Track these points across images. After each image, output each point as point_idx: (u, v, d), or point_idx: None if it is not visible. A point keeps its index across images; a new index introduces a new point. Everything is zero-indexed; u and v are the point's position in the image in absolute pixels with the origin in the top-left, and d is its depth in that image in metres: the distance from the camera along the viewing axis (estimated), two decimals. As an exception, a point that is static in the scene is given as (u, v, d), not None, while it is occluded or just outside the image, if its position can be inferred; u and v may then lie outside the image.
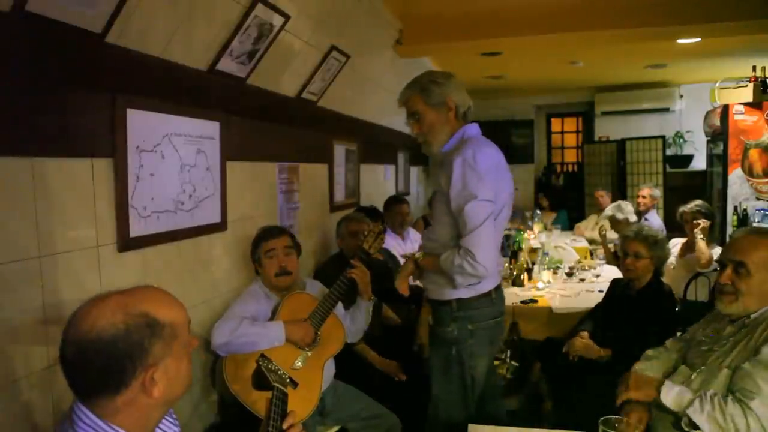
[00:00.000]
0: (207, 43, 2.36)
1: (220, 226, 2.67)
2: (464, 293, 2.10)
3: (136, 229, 2.12)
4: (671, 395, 1.67)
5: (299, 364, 2.31)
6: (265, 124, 3.17)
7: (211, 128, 2.58)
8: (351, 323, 2.59)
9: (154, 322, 1.03)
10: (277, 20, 2.64)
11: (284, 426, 1.34)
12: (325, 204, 4.19)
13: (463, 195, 1.98)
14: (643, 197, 5.44)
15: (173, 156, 2.33)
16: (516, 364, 3.90)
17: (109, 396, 0.99)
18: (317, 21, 3.07)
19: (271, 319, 2.37)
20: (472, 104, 2.24)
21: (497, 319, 2.20)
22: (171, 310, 1.08)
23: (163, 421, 1.16)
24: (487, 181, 1.99)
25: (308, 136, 3.81)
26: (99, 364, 0.98)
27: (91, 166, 1.94)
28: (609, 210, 4.88)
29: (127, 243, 2.09)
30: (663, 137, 7.11)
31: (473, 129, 2.21)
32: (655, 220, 5.42)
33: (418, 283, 2.53)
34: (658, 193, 5.72)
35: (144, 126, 2.13)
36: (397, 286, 2.27)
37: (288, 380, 1.50)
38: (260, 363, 1.51)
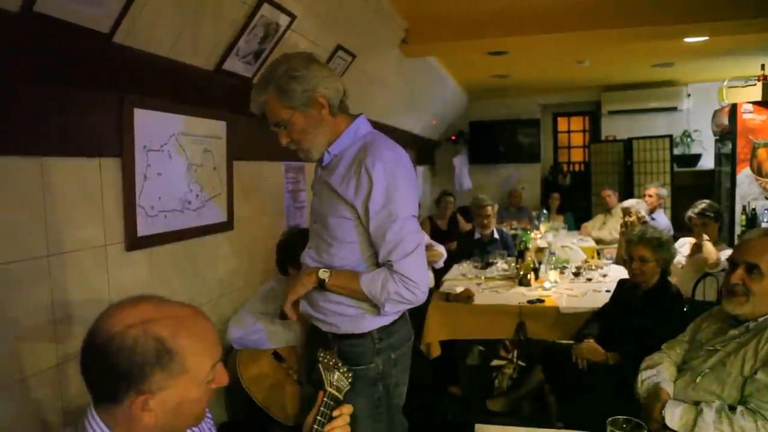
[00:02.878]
0: (213, 43, 2.37)
1: (226, 226, 2.68)
2: (384, 320, 1.72)
3: (143, 229, 2.13)
4: (676, 418, 1.67)
5: None
6: (271, 123, 3.17)
7: (217, 128, 2.58)
8: None
9: (165, 351, 0.97)
10: (283, 20, 2.64)
11: (326, 429, 1.27)
12: (331, 203, 4.18)
13: (388, 212, 1.60)
14: (650, 196, 5.41)
15: (180, 155, 2.33)
16: (523, 364, 3.89)
17: (109, 404, 0.99)
18: (323, 20, 3.07)
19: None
20: (347, 89, 1.78)
21: (411, 340, 1.87)
22: (195, 343, 1.01)
23: None
24: (411, 192, 1.68)
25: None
26: (98, 369, 0.97)
27: (98, 165, 1.95)
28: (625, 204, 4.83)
29: (134, 242, 2.10)
30: (670, 136, 7.06)
31: (366, 123, 1.79)
32: (662, 220, 5.39)
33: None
34: (664, 192, 5.69)
35: (151, 125, 2.14)
36: (285, 309, 1.76)
37: (348, 385, 1.36)
38: (321, 359, 1.35)
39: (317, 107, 1.64)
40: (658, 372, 1.89)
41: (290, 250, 2.50)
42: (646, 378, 1.90)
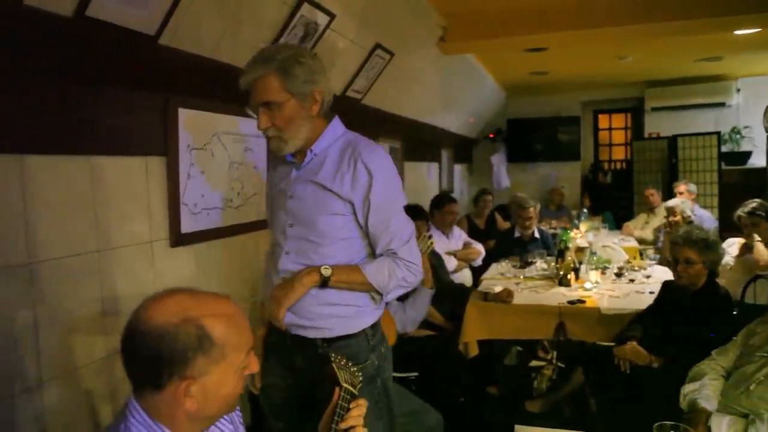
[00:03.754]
0: (254, 43, 2.40)
1: (267, 224, 2.72)
2: (376, 314, 1.73)
3: (187, 226, 2.19)
4: (723, 429, 1.62)
5: None
6: (310, 122, 3.21)
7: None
8: (410, 310, 2.62)
9: (206, 337, 1.01)
10: (323, 19, 2.66)
11: (344, 425, 1.29)
12: (369, 202, 4.20)
13: (391, 203, 1.64)
14: (680, 193, 5.26)
15: (222, 154, 2.38)
16: (562, 366, 3.83)
17: (150, 392, 1.01)
18: (362, 19, 3.09)
19: None
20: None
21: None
22: (231, 330, 1.05)
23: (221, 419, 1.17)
24: (401, 188, 1.73)
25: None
26: (140, 356, 1.00)
27: (145, 164, 2.01)
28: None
29: (178, 239, 2.15)
30: (718, 133, 6.82)
31: (341, 124, 1.73)
32: (703, 214, 5.21)
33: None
34: (693, 187, 5.52)
35: (195, 125, 2.19)
36: (274, 314, 1.64)
37: (360, 381, 1.40)
38: (334, 360, 1.39)
39: (311, 101, 1.61)
40: (701, 386, 1.83)
41: None
42: (688, 392, 1.85)
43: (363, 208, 1.62)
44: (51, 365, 1.66)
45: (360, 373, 1.43)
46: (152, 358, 0.98)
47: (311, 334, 1.65)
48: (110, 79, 1.80)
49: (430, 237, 2.76)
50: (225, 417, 1.19)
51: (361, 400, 1.34)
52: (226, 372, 1.04)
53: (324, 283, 1.61)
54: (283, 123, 1.58)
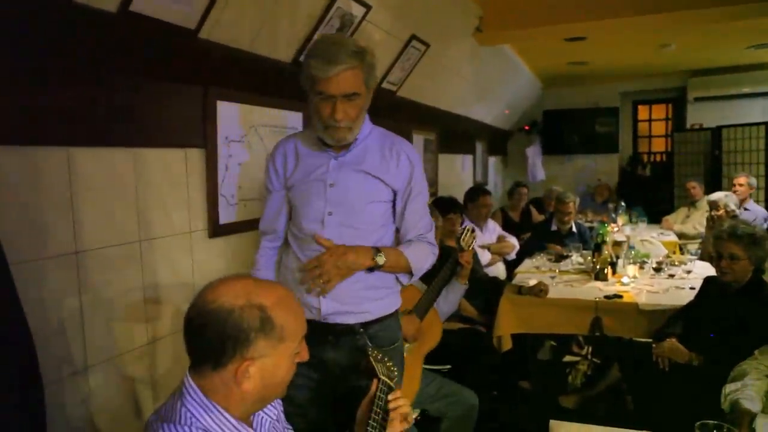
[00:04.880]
0: (291, 37, 2.42)
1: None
2: (399, 295, 1.83)
3: (224, 217, 2.23)
4: None
5: (405, 355, 2.36)
6: (345, 114, 3.22)
7: (294, 119, 2.65)
8: (444, 304, 2.64)
9: (268, 319, 1.06)
10: (358, 11, 2.66)
11: (391, 406, 1.32)
12: (403, 194, 4.20)
13: (426, 192, 1.78)
14: (741, 185, 5.07)
15: (259, 146, 2.41)
16: (597, 361, 3.77)
17: (209, 370, 1.05)
18: (398, 10, 3.07)
19: None
20: None
21: None
22: (289, 315, 1.10)
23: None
24: None
25: (388, 125, 3.77)
26: (207, 334, 1.04)
27: (184, 156, 2.05)
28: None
29: (216, 229, 2.20)
30: (766, 123, 6.57)
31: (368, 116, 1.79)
32: (757, 209, 5.03)
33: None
34: (754, 181, 5.32)
35: (232, 117, 2.23)
36: (327, 286, 1.65)
37: (396, 375, 1.45)
38: (371, 353, 1.45)
39: (370, 96, 1.69)
40: (743, 386, 1.78)
41: None
42: (729, 392, 1.80)
43: (404, 195, 1.73)
44: (96, 351, 1.72)
45: (395, 368, 1.45)
46: (218, 336, 1.03)
47: (351, 319, 1.68)
48: (152, 72, 1.84)
49: (473, 231, 2.77)
50: (271, 403, 1.23)
51: (400, 391, 1.37)
52: (283, 356, 1.09)
53: (376, 266, 1.65)
54: (356, 114, 1.62)
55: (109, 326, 1.77)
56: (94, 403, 1.72)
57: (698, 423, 1.34)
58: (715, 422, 1.34)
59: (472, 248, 2.80)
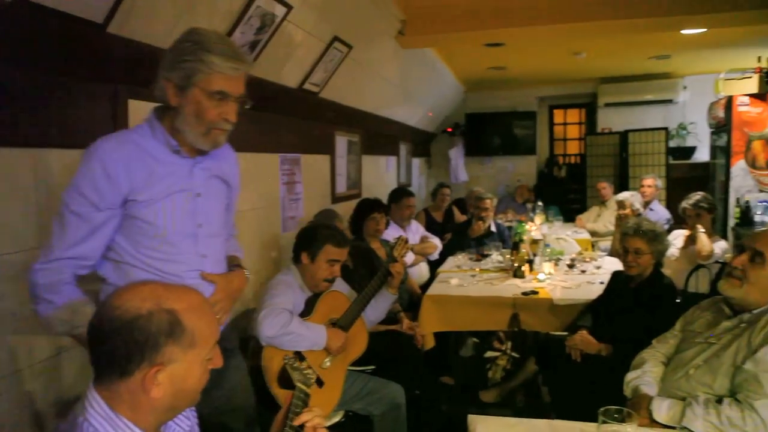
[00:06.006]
0: (208, 34, 2.35)
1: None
2: None
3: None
4: (663, 412, 1.69)
5: (328, 363, 2.35)
6: (267, 115, 3.17)
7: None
8: (372, 312, 2.64)
9: (178, 323, 1.02)
10: (280, 10, 2.63)
11: (297, 423, 1.32)
12: (327, 195, 4.19)
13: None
14: (648, 186, 5.43)
15: (175, 147, 2.32)
16: (516, 356, 3.92)
17: (115, 380, 1.01)
18: (320, 11, 3.06)
19: (306, 312, 2.38)
20: None
21: None
22: (201, 320, 1.06)
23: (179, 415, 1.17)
24: None
25: (310, 127, 3.81)
26: (112, 341, 0.99)
27: (93, 156, 1.94)
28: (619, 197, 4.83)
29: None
30: (666, 129, 7.07)
31: None
32: (660, 210, 5.40)
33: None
34: (660, 183, 5.71)
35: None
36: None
37: (313, 381, 1.46)
38: (286, 361, 1.46)
39: None
40: (643, 373, 1.91)
41: (312, 234, 2.49)
42: (630, 380, 1.93)
43: (235, 195, 1.76)
44: (-7, 366, 1.59)
45: (311, 376, 1.46)
46: (124, 342, 0.99)
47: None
48: (55, 68, 1.73)
49: (406, 242, 2.77)
50: (183, 413, 1.19)
51: (311, 409, 1.36)
52: (194, 362, 1.05)
53: None
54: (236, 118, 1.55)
55: (7, 340, 1.64)
56: (-10, 423, 1.59)
57: (601, 409, 1.42)
58: (616, 407, 1.42)
59: (404, 257, 2.81)
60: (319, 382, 2.28)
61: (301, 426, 1.32)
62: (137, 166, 1.47)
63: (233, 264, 1.75)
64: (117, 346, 0.99)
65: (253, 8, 2.44)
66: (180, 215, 1.54)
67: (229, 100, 1.50)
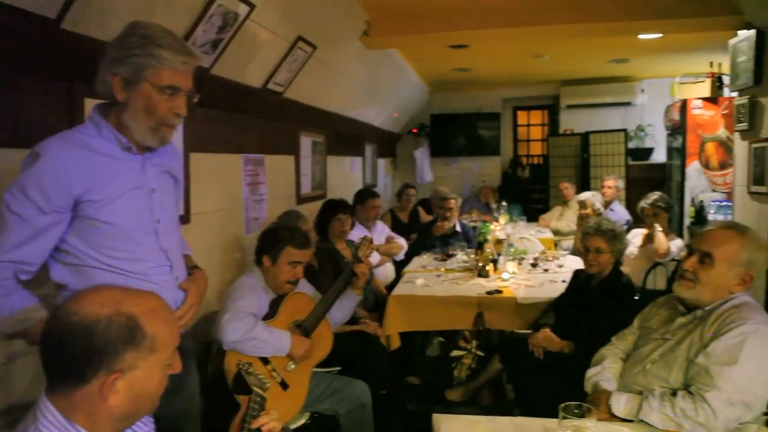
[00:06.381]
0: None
1: (182, 219, 2.63)
2: None
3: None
4: (621, 406, 1.73)
5: (292, 366, 2.32)
6: (230, 114, 3.13)
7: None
8: (337, 313, 2.62)
9: (138, 328, 1.00)
10: (242, 9, 2.60)
11: (255, 426, 1.32)
12: (292, 196, 4.16)
13: None
14: (609, 188, 5.57)
15: (134, 147, 2.27)
16: (481, 354, 3.96)
17: (70, 388, 0.97)
18: (283, 11, 3.03)
19: (270, 315, 2.35)
20: None
21: None
22: (162, 326, 1.04)
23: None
24: None
25: (274, 127, 3.77)
26: (69, 348, 0.96)
27: (46, 156, 1.88)
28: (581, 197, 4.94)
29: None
30: (625, 130, 7.26)
31: None
32: (620, 210, 5.55)
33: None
34: (621, 183, 5.86)
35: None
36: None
37: (268, 386, 1.47)
38: (240, 367, 1.47)
39: None
40: (602, 370, 1.96)
41: (273, 236, 2.46)
42: (591, 376, 1.97)
43: (181, 190, 1.75)
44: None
45: (266, 381, 1.48)
46: (81, 349, 0.95)
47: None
48: (5, 65, 1.66)
49: (371, 242, 2.76)
50: (141, 420, 1.16)
51: (264, 417, 1.37)
52: (154, 367, 1.03)
53: None
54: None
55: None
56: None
57: (562, 405, 1.45)
58: (576, 403, 1.45)
59: (369, 257, 2.80)
60: (284, 385, 2.26)
61: (258, 429, 1.31)
62: (89, 166, 1.44)
63: (191, 266, 1.74)
64: (74, 353, 0.96)
65: (215, 6, 2.40)
66: (139, 212, 1.53)
67: (179, 95, 1.49)
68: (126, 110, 1.47)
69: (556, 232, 5.95)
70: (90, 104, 1.99)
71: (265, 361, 2.24)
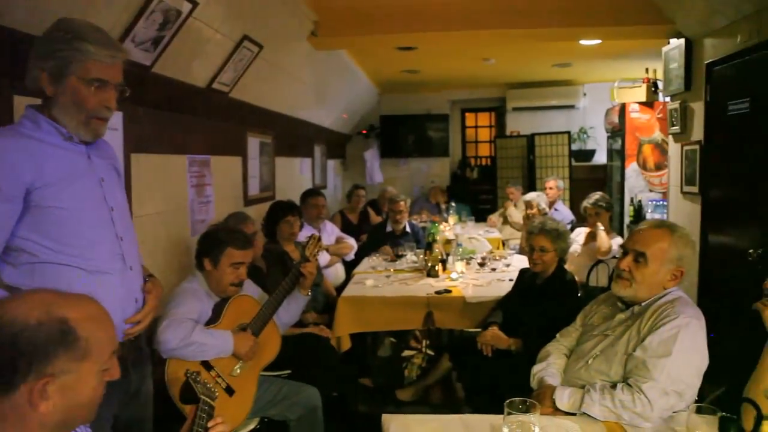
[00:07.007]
0: (106, 28, 2.21)
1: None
2: None
3: None
4: (565, 400, 1.79)
5: (238, 370, 2.26)
6: (173, 114, 3.04)
7: (113, 118, 2.43)
8: (285, 314, 2.57)
9: (70, 331, 0.95)
10: (185, 7, 2.53)
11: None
12: (239, 198, 4.08)
13: None
14: (551, 188, 5.74)
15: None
16: (432, 353, 4.00)
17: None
18: (227, 9, 2.97)
19: (213, 319, 2.28)
20: None
21: None
22: (97, 328, 1.00)
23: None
24: None
25: (220, 128, 3.69)
26: None
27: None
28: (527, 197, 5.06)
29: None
30: (568, 133, 7.49)
31: None
32: (564, 210, 5.72)
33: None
34: (562, 184, 6.04)
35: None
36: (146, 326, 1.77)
37: (217, 394, 1.45)
38: (188, 375, 1.45)
39: None
40: (547, 366, 2.02)
41: (213, 238, 2.39)
42: (536, 372, 2.03)
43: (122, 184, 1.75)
44: None
45: (214, 389, 1.46)
46: (8, 353, 0.91)
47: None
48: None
49: (319, 240, 2.72)
50: (77, 430, 1.11)
51: (219, 417, 1.37)
52: (89, 373, 0.98)
53: None
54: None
55: None
56: None
57: (507, 401, 1.48)
58: (521, 399, 1.49)
59: (317, 258, 2.76)
60: (230, 391, 2.21)
61: None
62: (37, 154, 1.43)
63: (146, 274, 1.76)
64: (2, 357, 0.91)
65: (155, 2, 2.33)
66: (93, 198, 1.54)
67: (108, 88, 1.50)
68: (56, 105, 1.47)
69: (514, 224, 6.04)
70: (21, 102, 1.90)
71: (208, 366, 2.18)
